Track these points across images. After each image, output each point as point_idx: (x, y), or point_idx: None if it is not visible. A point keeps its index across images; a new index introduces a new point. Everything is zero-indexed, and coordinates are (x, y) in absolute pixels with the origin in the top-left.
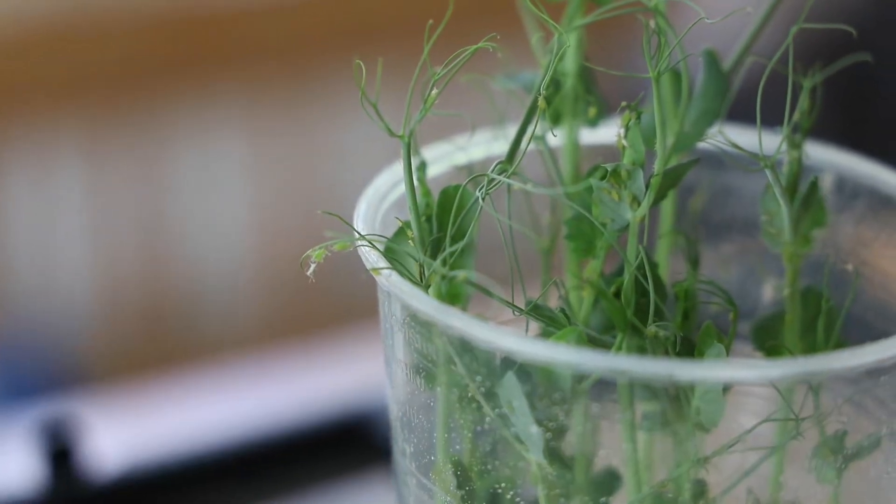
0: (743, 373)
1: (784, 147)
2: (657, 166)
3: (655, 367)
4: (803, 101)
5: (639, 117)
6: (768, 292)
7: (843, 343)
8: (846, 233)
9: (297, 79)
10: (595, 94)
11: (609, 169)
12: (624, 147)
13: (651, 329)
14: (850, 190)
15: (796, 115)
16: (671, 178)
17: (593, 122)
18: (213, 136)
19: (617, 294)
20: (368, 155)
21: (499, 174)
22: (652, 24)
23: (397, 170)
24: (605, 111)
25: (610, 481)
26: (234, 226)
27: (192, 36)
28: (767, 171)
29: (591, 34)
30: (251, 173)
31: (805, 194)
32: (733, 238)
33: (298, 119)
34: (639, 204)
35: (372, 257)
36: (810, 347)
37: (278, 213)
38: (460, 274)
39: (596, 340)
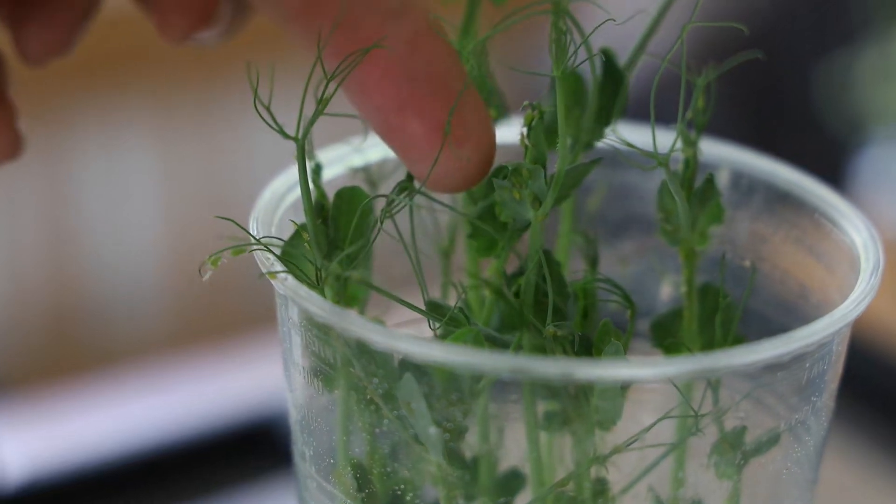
0: (640, 371)
1: (679, 145)
2: (559, 165)
3: (551, 366)
4: (696, 99)
5: (541, 116)
6: (666, 290)
7: (741, 339)
8: (743, 229)
9: (206, 81)
10: (495, 95)
11: (510, 168)
12: (526, 146)
13: (550, 328)
14: (746, 186)
15: (689, 113)
16: (573, 178)
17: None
18: (120, 138)
19: (517, 294)
20: (280, 159)
21: (400, 192)
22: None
23: (293, 172)
24: (504, 112)
25: (513, 481)
26: (141, 231)
27: (100, 37)
28: (662, 168)
29: (497, 35)
30: (159, 177)
31: (701, 191)
32: (631, 236)
33: (208, 123)
34: (540, 203)
35: (267, 261)
36: (708, 344)
37: (186, 217)
38: (354, 275)
39: (496, 340)
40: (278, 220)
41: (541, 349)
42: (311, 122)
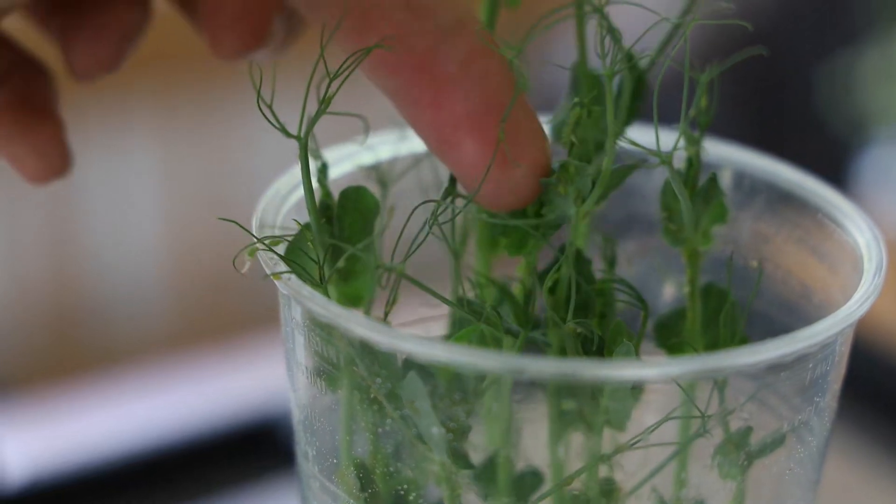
0: (644, 371)
1: (682, 143)
2: (605, 162)
3: (555, 367)
4: (699, 98)
5: (589, 114)
6: (669, 290)
7: (746, 339)
8: (746, 229)
9: (208, 82)
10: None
11: (559, 164)
12: (573, 143)
13: (570, 325)
14: (748, 186)
15: (693, 111)
16: (616, 178)
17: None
18: (122, 139)
19: (552, 290)
20: (284, 160)
21: (445, 197)
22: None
23: (297, 172)
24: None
25: (530, 480)
26: (143, 231)
27: None
28: (666, 167)
29: (511, 29)
30: (161, 178)
31: (704, 190)
32: (634, 236)
33: (210, 123)
34: (583, 200)
35: (271, 261)
36: (712, 344)
37: (188, 218)
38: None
39: (516, 335)
40: (281, 220)
41: (561, 348)
42: (314, 120)
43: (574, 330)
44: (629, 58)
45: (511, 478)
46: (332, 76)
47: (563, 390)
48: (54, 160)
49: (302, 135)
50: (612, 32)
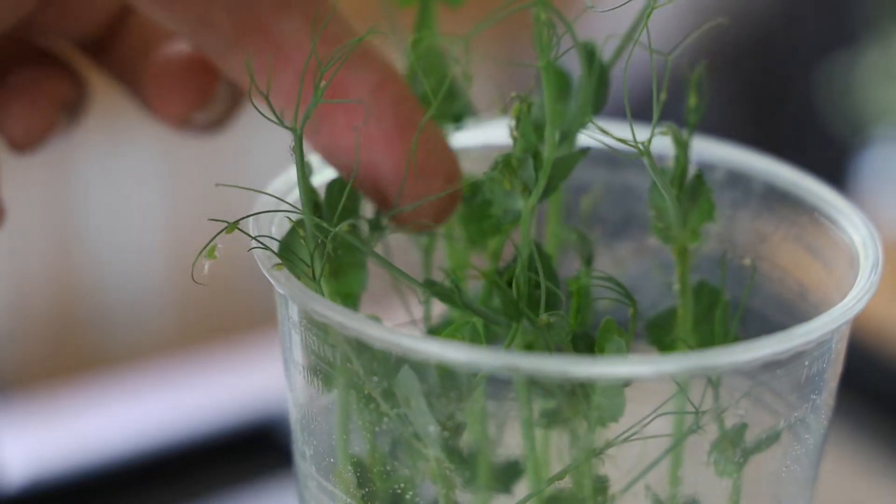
0: (639, 368)
1: (662, 137)
2: (545, 152)
3: (548, 364)
4: (691, 95)
5: (529, 108)
6: (667, 290)
7: (739, 337)
8: (742, 228)
9: None
10: (461, 97)
11: (500, 159)
12: (515, 138)
13: (543, 318)
14: (745, 185)
15: (663, 98)
16: (562, 168)
17: (458, 125)
18: (123, 141)
19: (508, 284)
20: (283, 165)
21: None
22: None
23: (293, 173)
24: (469, 113)
25: (510, 471)
26: (143, 232)
27: None
28: (645, 160)
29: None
30: (162, 179)
31: (690, 187)
32: (630, 236)
33: None
34: (530, 192)
35: (265, 259)
36: (704, 342)
37: (189, 219)
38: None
39: (488, 319)
40: (277, 220)
41: (534, 341)
42: (309, 110)
43: (547, 321)
44: (586, 49)
45: (491, 469)
46: (323, 69)
47: (541, 388)
48: (37, 122)
49: (298, 126)
50: (544, 24)
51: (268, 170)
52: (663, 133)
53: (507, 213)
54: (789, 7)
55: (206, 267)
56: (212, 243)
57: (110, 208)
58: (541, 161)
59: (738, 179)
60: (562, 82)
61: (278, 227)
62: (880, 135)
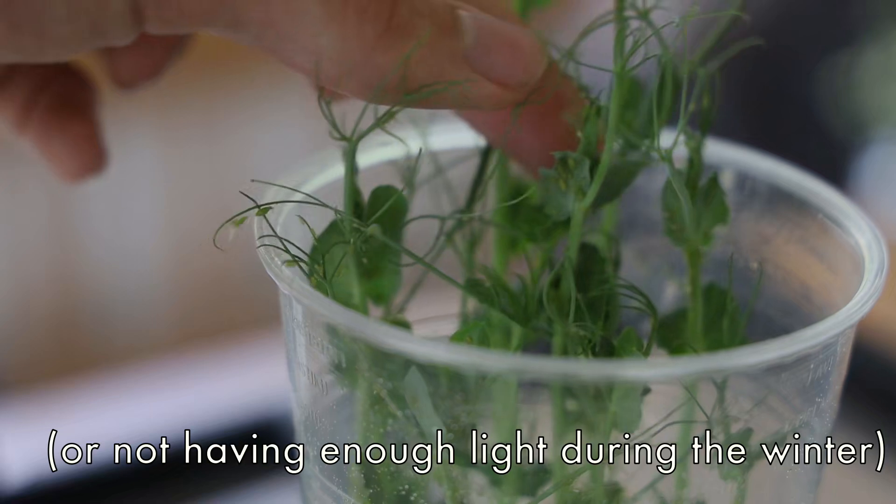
0: (645, 371)
1: (682, 141)
2: (603, 157)
3: (555, 367)
4: (695, 96)
5: (598, 112)
6: (671, 291)
7: (746, 340)
8: (747, 229)
9: (209, 82)
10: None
11: (557, 158)
12: (580, 139)
13: (572, 328)
14: (749, 186)
15: (692, 106)
16: (621, 177)
17: None
18: (122, 139)
19: (555, 284)
20: (282, 162)
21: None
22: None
23: (300, 172)
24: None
25: (538, 476)
26: (143, 232)
27: None
28: (666, 164)
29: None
30: (162, 178)
31: (705, 189)
32: (636, 237)
33: (211, 125)
34: (584, 195)
35: (271, 260)
36: (714, 345)
37: (189, 218)
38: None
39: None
40: (283, 220)
41: (564, 349)
42: (368, 131)
43: (576, 333)
44: (662, 60)
45: (518, 474)
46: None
47: (567, 390)
48: (88, 158)
49: (353, 138)
50: (625, 30)
51: (268, 170)
52: (686, 143)
53: (560, 213)
54: (790, 7)
55: (232, 234)
56: (239, 216)
57: (110, 207)
58: (597, 165)
59: (742, 180)
60: (634, 89)
61: (283, 226)
62: (880, 135)
